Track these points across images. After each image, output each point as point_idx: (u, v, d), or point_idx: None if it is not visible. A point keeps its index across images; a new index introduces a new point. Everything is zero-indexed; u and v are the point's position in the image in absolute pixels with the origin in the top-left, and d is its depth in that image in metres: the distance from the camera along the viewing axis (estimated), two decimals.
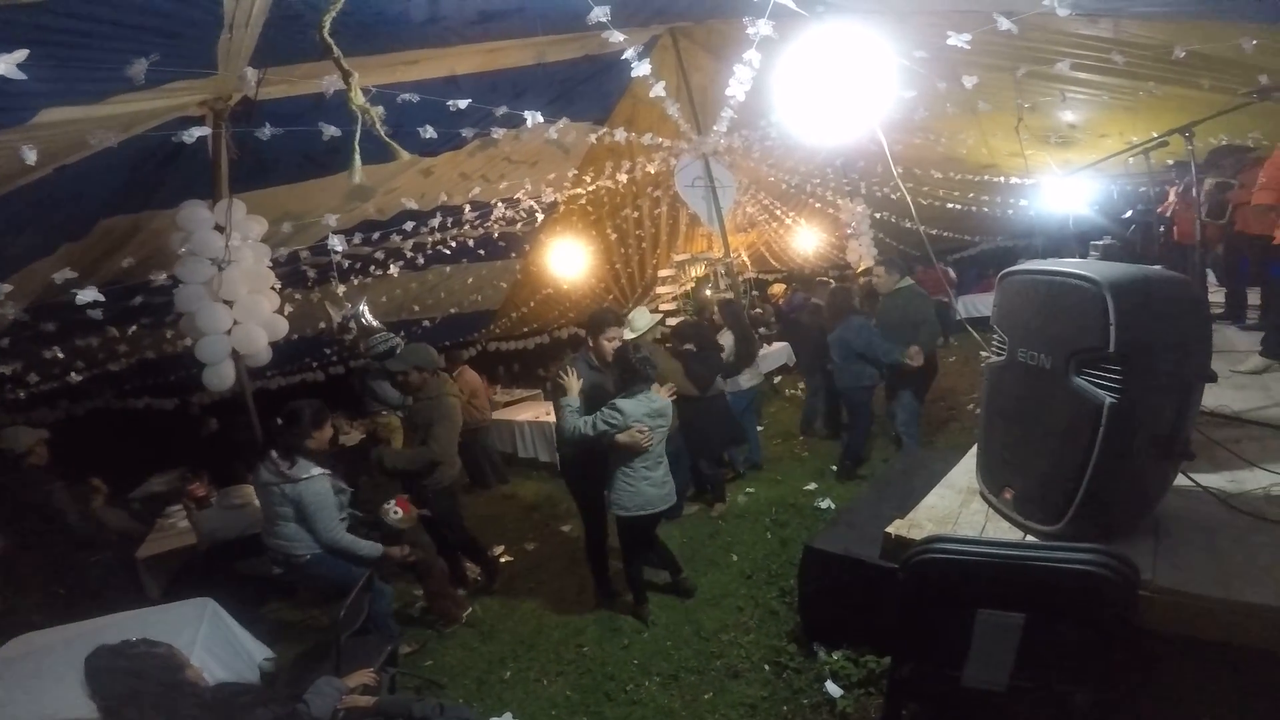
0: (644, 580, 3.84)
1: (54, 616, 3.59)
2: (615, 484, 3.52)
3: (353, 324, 4.46)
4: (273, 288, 3.97)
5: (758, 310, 9.94)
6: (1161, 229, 5.03)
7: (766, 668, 3.15)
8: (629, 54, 3.04)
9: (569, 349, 10.91)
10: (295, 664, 3.16)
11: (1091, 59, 3.56)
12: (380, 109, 1.79)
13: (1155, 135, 2.87)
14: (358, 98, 1.72)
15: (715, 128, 6.00)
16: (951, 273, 10.39)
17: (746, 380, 5.71)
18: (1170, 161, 5.17)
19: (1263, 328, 3.32)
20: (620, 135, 5.27)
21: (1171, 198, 5.26)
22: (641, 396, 3.47)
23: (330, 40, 1.66)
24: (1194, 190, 3.19)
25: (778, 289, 10.10)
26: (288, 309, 4.40)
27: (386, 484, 4.86)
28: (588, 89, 5.23)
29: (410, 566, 3.75)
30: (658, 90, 3.75)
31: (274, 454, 3.32)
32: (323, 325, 6.91)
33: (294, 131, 3.37)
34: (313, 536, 3.32)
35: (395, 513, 3.63)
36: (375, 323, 4.56)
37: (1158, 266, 1.92)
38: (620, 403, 3.43)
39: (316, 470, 3.35)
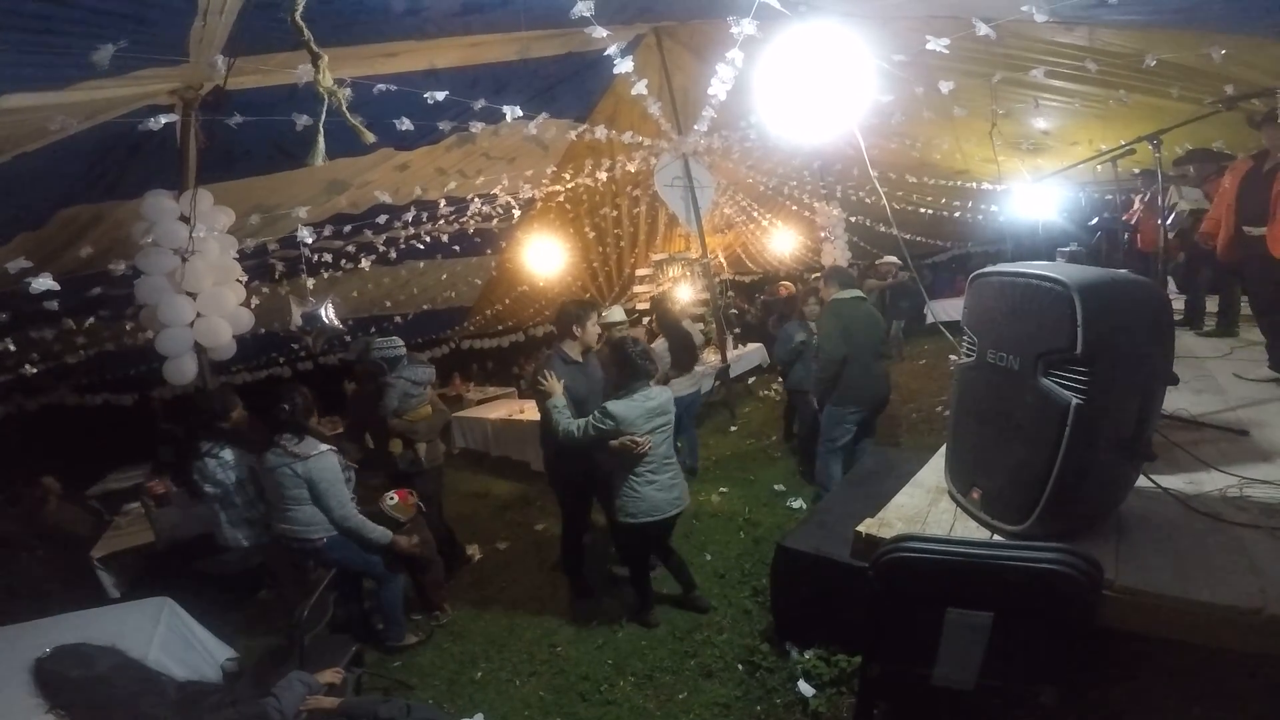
0: (651, 587, 3.67)
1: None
2: (620, 490, 3.28)
3: (312, 328, 4.37)
4: (239, 280, 3.88)
5: (734, 311, 9.99)
6: (1125, 236, 5.17)
7: (740, 667, 3.15)
8: (612, 51, 3.03)
9: (544, 346, 10.86)
10: (258, 664, 3.08)
11: (1066, 66, 3.64)
12: (348, 90, 1.75)
13: (1123, 143, 2.94)
14: (325, 79, 1.68)
15: (696, 128, 6.02)
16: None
17: (680, 388, 5.70)
18: (1136, 170, 5.32)
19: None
20: (601, 133, 5.26)
21: (1136, 206, 5.41)
22: (638, 396, 3.23)
23: (301, 22, 1.62)
24: (1159, 199, 3.29)
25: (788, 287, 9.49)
26: (254, 302, 4.30)
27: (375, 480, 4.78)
28: (569, 86, 5.21)
29: (413, 558, 3.73)
30: (640, 89, 3.74)
31: (281, 436, 3.30)
32: (276, 325, 6.78)
33: (266, 122, 3.29)
34: (327, 516, 3.29)
35: (390, 499, 3.67)
36: (337, 323, 4.48)
37: (1124, 270, 1.96)
38: (612, 406, 3.19)
39: (324, 446, 3.34)
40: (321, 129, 1.76)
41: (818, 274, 8.34)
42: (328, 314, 4.36)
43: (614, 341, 3.47)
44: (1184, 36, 3.03)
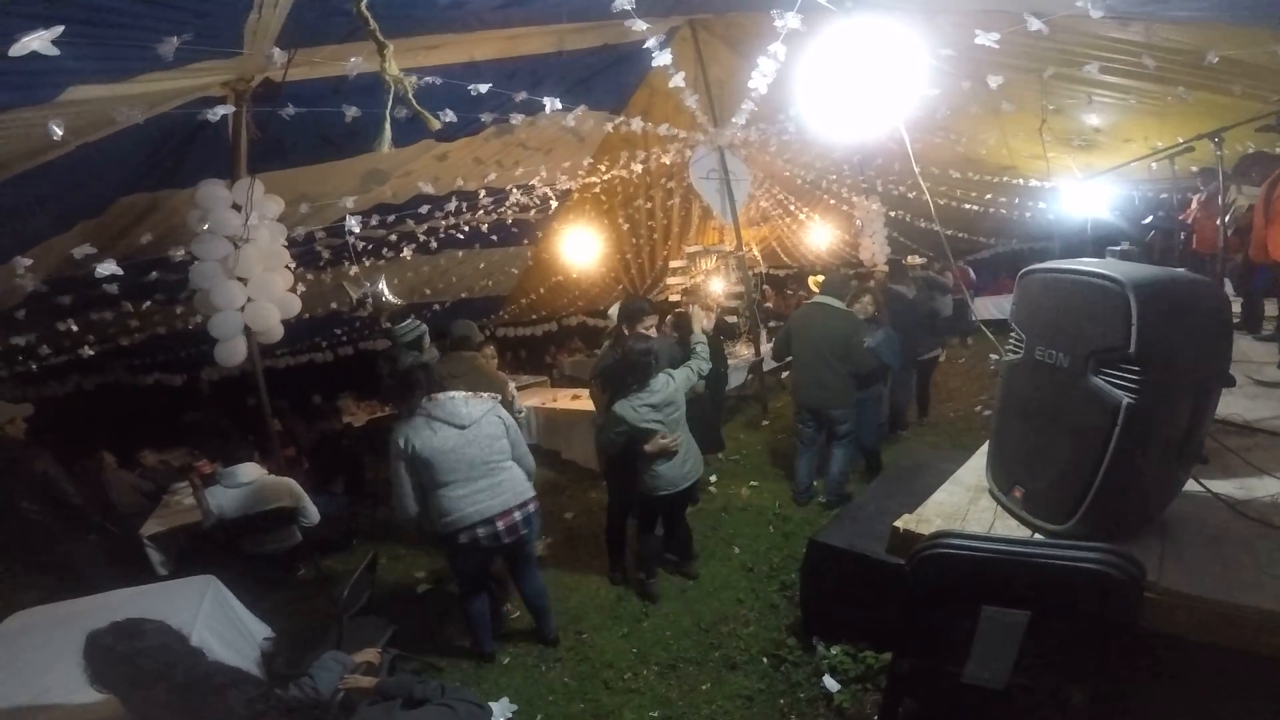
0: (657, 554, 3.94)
1: (48, 593, 3.52)
2: (642, 473, 3.63)
3: (369, 301, 4.47)
4: (287, 266, 4.00)
5: (767, 305, 9.93)
6: (1181, 236, 4.97)
7: (765, 660, 3.16)
8: (650, 43, 3.03)
9: (577, 337, 10.97)
10: (295, 644, 3.12)
11: (1121, 62, 3.52)
12: (414, 78, 1.80)
13: (1182, 140, 2.82)
14: (392, 68, 1.73)
15: (733, 120, 5.98)
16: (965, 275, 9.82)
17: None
18: (1195, 168, 5.11)
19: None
20: (636, 125, 5.27)
21: (1194, 205, 5.19)
22: (634, 396, 3.50)
23: (367, 12, 1.67)
24: (1219, 198, 3.15)
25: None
26: (300, 288, 4.42)
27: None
28: (606, 78, 5.23)
29: None
30: (676, 81, 3.73)
31: (458, 392, 3.10)
32: (334, 305, 6.97)
33: (313, 113, 3.39)
34: (523, 462, 3.22)
35: None
36: (394, 299, 4.58)
37: (1182, 269, 1.89)
38: (617, 409, 3.49)
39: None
40: (388, 116, 1.81)
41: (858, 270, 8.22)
42: (384, 291, 4.48)
43: (624, 347, 3.71)
44: (1248, 33, 2.89)
